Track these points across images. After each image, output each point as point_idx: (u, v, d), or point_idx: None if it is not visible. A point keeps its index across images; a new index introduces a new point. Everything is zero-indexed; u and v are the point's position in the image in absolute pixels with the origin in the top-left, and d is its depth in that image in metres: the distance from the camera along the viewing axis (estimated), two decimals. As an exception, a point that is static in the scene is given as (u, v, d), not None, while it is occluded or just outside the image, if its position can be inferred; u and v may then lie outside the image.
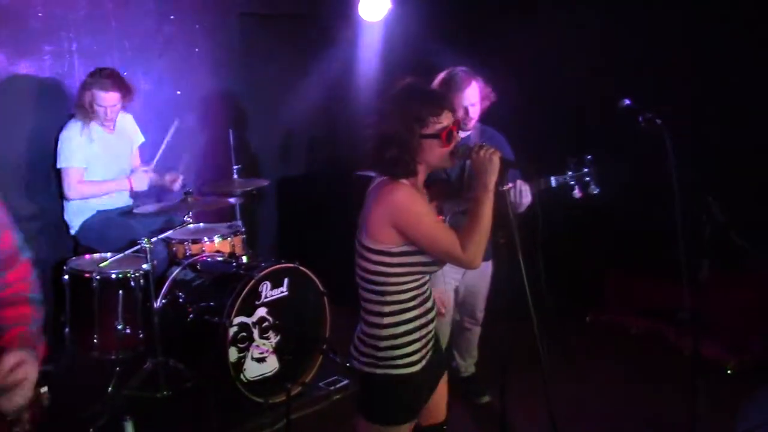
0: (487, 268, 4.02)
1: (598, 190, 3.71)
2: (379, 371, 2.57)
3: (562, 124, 5.33)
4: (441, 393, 2.85)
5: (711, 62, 4.82)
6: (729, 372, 4.59)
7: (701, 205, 3.63)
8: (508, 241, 2.78)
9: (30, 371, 2.01)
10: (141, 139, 4.91)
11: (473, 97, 3.77)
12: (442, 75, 3.80)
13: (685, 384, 3.45)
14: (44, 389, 2.18)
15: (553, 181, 3.69)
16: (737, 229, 3.73)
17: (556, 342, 4.75)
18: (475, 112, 3.81)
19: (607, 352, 4.99)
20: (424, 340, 2.61)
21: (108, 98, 4.42)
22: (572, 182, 3.71)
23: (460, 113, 3.74)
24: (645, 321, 5.23)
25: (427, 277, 2.65)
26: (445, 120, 2.52)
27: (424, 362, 2.61)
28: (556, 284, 4.92)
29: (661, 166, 3.68)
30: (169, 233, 4.39)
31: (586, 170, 3.71)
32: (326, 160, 6.45)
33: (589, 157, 3.73)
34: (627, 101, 3.83)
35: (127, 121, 4.79)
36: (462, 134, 3.82)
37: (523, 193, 3.56)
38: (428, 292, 2.67)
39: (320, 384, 4.30)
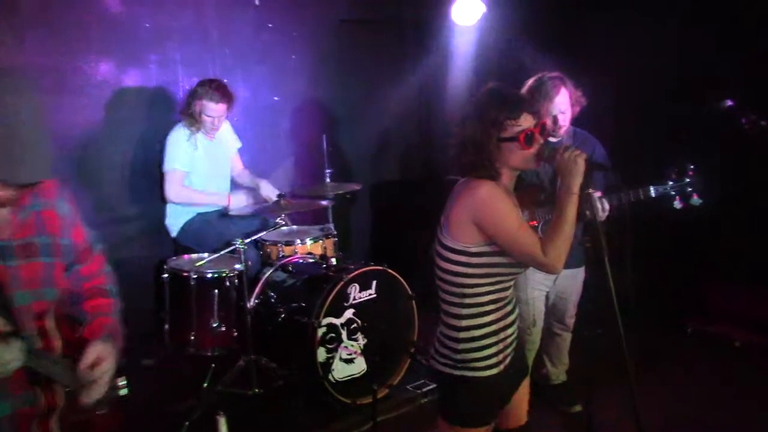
0: (578, 273, 3.92)
1: (700, 201, 3.53)
2: (456, 372, 2.56)
3: (657, 127, 5.13)
4: (522, 397, 2.81)
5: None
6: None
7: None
8: (595, 246, 2.71)
9: (109, 366, 2.11)
10: (238, 144, 5.06)
11: (563, 104, 3.69)
12: (530, 81, 3.74)
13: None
14: (123, 381, 2.28)
15: (653, 191, 3.55)
16: None
17: (653, 352, 4.63)
18: (565, 119, 3.73)
19: (708, 364, 4.76)
20: (502, 344, 2.58)
21: (217, 109, 4.60)
22: (673, 192, 3.55)
23: (549, 122, 3.68)
24: (750, 333, 4.96)
25: (510, 282, 2.61)
26: (525, 122, 2.48)
27: (502, 366, 2.58)
28: (657, 292, 4.79)
29: (765, 170, 3.50)
30: (262, 235, 4.51)
31: (688, 180, 3.54)
32: (419, 165, 6.46)
33: (692, 166, 3.56)
34: (730, 102, 3.66)
35: (224, 128, 4.95)
36: (553, 139, 3.76)
37: (600, 207, 3.46)
38: (510, 296, 2.63)
39: (407, 387, 4.29)
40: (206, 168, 4.77)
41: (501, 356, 2.58)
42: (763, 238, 4.81)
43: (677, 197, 3.55)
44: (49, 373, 1.97)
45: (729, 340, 4.99)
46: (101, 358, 2.09)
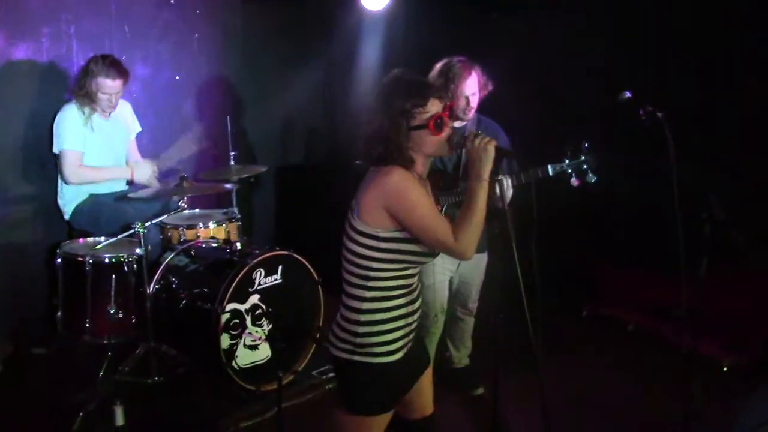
0: (482, 259, 4.00)
1: (596, 178, 3.66)
2: (355, 358, 2.53)
3: (560, 118, 5.28)
4: (425, 386, 2.83)
5: (713, 57, 4.77)
6: (725, 369, 4.55)
7: (701, 202, 3.59)
8: (503, 232, 2.75)
9: None
10: (138, 128, 4.87)
11: (473, 86, 3.74)
12: (439, 65, 3.77)
13: (681, 381, 3.43)
14: None
15: (550, 169, 3.65)
16: (737, 227, 3.69)
17: (551, 335, 4.76)
18: (475, 101, 3.78)
19: (603, 347, 4.96)
20: (404, 330, 2.58)
21: (114, 86, 4.41)
22: (569, 170, 3.67)
23: (462, 103, 3.72)
24: (642, 316, 5.20)
25: (416, 269, 2.61)
26: (432, 108, 2.48)
27: (402, 353, 2.58)
28: (552, 277, 4.92)
29: (660, 161, 3.64)
30: (163, 218, 4.36)
31: (583, 158, 3.67)
32: (325, 149, 6.42)
33: (586, 144, 3.69)
34: (628, 93, 3.79)
35: (124, 110, 4.76)
36: (458, 124, 3.80)
37: (505, 185, 3.54)
38: (416, 284, 2.63)
39: (313, 373, 4.27)
40: (100, 148, 4.56)
41: (401, 342, 2.57)
42: (656, 225, 5.03)
43: (573, 174, 3.67)
44: None
45: (622, 324, 5.21)
46: None
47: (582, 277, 5.52)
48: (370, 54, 6.17)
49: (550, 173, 3.65)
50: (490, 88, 3.83)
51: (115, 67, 4.40)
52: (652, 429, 3.93)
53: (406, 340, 2.59)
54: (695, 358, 3.56)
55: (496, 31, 5.46)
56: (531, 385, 2.79)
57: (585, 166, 3.66)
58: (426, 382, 2.82)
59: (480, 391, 4.28)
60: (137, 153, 4.90)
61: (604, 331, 5.20)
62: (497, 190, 2.66)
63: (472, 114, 3.82)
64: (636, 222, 5.20)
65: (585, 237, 5.47)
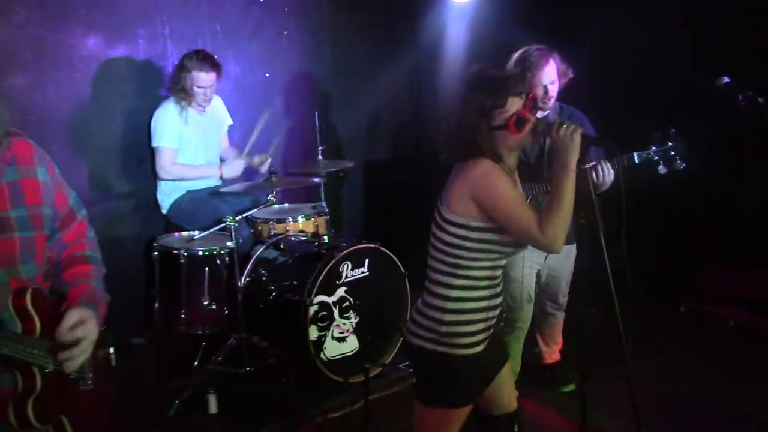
0: (570, 251, 3.89)
1: (684, 165, 3.49)
2: (439, 349, 2.50)
3: (650, 106, 5.09)
4: (507, 381, 2.79)
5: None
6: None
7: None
8: (590, 222, 2.68)
9: (90, 330, 2.04)
10: (229, 121, 4.99)
11: (551, 74, 3.66)
12: (516, 54, 3.70)
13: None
14: (110, 350, 2.23)
15: (636, 156, 3.51)
16: None
17: (645, 331, 4.61)
18: (554, 90, 3.69)
19: (701, 343, 4.76)
20: (487, 323, 2.55)
21: (208, 79, 4.54)
22: (656, 157, 3.51)
23: (539, 92, 3.65)
24: (744, 313, 4.96)
25: (504, 260, 2.57)
26: (512, 107, 2.44)
27: (483, 346, 2.55)
28: (648, 270, 4.78)
29: (761, 151, 3.46)
30: (253, 212, 4.46)
31: (670, 144, 3.50)
32: (412, 144, 6.41)
33: (673, 130, 3.52)
34: (726, 79, 3.62)
35: (217, 104, 4.89)
36: (540, 114, 3.72)
37: (605, 172, 3.44)
38: (500, 277, 2.60)
39: (400, 366, 4.27)
40: (197, 142, 4.70)
41: (483, 335, 2.55)
42: (757, 218, 4.80)
43: (661, 162, 3.51)
44: (26, 358, 1.91)
45: (722, 320, 4.99)
46: (81, 320, 2.02)
47: (678, 271, 5.30)
48: (457, 46, 6.12)
49: (636, 161, 3.51)
50: (571, 75, 3.73)
51: (209, 60, 4.53)
52: (748, 429, 3.75)
53: (487, 333, 2.56)
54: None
55: (580, 17, 5.31)
56: (622, 383, 2.70)
57: (672, 153, 3.50)
58: (506, 376, 2.78)
59: (571, 387, 4.18)
60: (227, 142, 5.02)
61: (702, 327, 4.99)
62: (593, 176, 2.59)
63: (552, 103, 3.73)
64: (738, 215, 4.97)
65: (681, 229, 5.27)
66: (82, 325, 2.02)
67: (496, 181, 2.42)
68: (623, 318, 2.65)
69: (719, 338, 4.83)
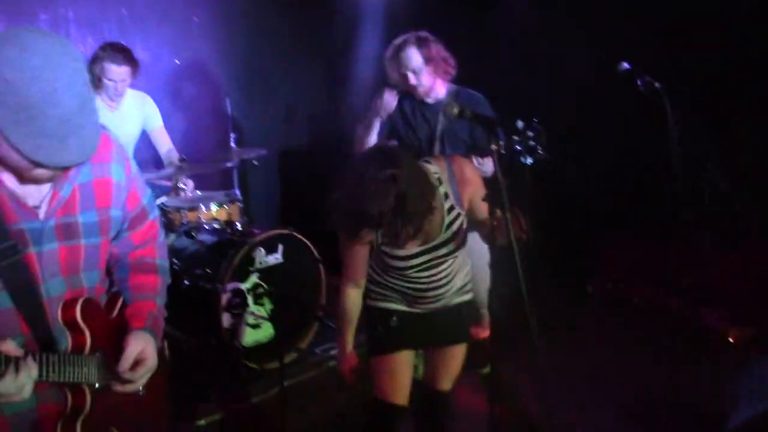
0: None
1: (545, 154, 3.52)
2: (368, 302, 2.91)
3: (557, 93, 5.24)
4: (443, 362, 3.00)
5: (710, 26, 4.72)
6: (731, 341, 4.52)
7: (702, 173, 3.56)
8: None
9: (151, 367, 1.93)
10: (157, 123, 4.76)
11: (414, 60, 3.75)
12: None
13: (688, 355, 3.42)
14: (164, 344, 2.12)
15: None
16: (740, 196, 3.67)
17: (554, 314, 4.77)
18: (422, 79, 3.77)
19: (609, 322, 4.94)
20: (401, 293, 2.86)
21: (119, 72, 4.31)
22: (518, 147, 3.52)
23: (401, 81, 3.79)
24: (648, 290, 5.16)
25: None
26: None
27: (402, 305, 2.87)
28: (555, 253, 4.94)
29: (661, 133, 3.61)
30: (164, 201, 4.37)
31: (531, 134, 3.52)
32: (326, 133, 6.40)
33: (535, 120, 3.56)
34: (626, 65, 3.76)
35: (135, 102, 4.64)
36: (431, 99, 3.80)
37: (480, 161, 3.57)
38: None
39: (315, 350, 4.28)
40: None
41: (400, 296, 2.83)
42: (657, 196, 5.01)
43: (523, 152, 3.50)
44: (75, 379, 1.77)
45: (627, 298, 5.18)
46: (142, 358, 1.89)
47: (587, 252, 5.49)
48: (372, 34, 6.13)
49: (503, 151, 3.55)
50: (450, 60, 3.82)
51: (123, 53, 4.32)
52: (657, 409, 3.92)
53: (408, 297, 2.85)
54: (702, 331, 3.55)
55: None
56: (533, 366, 2.79)
57: (533, 143, 3.50)
58: (449, 356, 3.00)
59: (487, 370, 4.26)
60: (168, 143, 4.79)
61: (609, 306, 5.17)
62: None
63: (424, 90, 3.81)
64: (639, 194, 5.17)
65: (589, 212, 5.44)
66: (143, 366, 1.89)
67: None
68: (530, 300, 2.72)
69: (626, 318, 5.00)
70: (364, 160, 2.52)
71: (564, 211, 5.26)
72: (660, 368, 4.18)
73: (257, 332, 4.08)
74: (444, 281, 2.83)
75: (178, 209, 4.48)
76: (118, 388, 1.89)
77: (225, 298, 3.89)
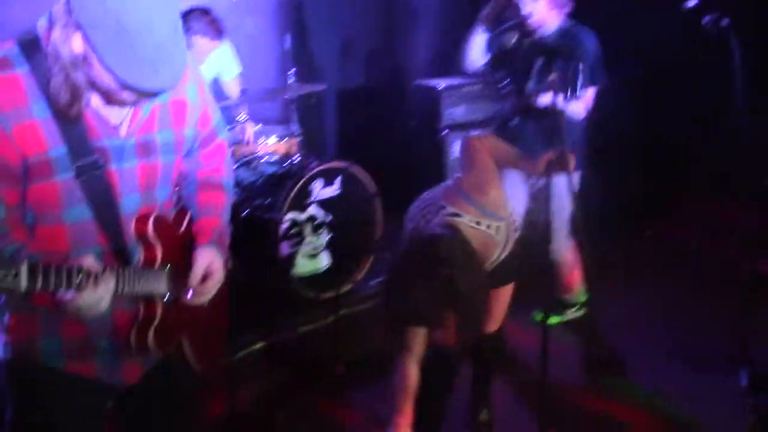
0: None
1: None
2: None
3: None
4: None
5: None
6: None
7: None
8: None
9: (219, 279, 2.00)
10: (233, 74, 4.74)
11: None
12: None
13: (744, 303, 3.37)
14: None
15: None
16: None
17: (610, 256, 4.74)
18: (538, 7, 3.62)
19: (664, 267, 4.88)
20: None
21: (205, 44, 4.11)
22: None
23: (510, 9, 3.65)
24: (706, 241, 5.07)
25: None
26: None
27: None
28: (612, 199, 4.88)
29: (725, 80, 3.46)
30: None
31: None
32: (385, 68, 6.36)
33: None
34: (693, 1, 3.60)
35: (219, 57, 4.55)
36: (540, 31, 3.70)
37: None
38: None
39: (370, 283, 4.33)
40: None
41: None
42: (719, 145, 4.89)
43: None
44: (147, 292, 1.85)
45: (685, 244, 5.11)
46: (210, 272, 1.97)
47: (646, 198, 5.41)
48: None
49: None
50: None
51: (213, 24, 4.15)
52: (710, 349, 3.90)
53: None
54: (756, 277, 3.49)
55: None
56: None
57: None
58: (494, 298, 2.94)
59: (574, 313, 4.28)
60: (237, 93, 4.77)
61: (666, 251, 5.11)
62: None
63: (541, 20, 3.66)
64: (699, 143, 5.04)
65: (651, 160, 5.35)
66: (211, 279, 1.97)
67: None
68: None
69: (681, 264, 4.93)
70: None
71: (626, 156, 5.19)
72: (713, 315, 4.14)
73: (313, 262, 4.14)
74: None
75: (238, 142, 4.54)
76: (187, 300, 1.96)
77: (282, 228, 3.96)
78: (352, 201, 4.25)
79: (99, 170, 1.77)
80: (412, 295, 2.57)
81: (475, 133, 4.59)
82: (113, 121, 1.80)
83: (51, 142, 1.70)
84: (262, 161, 4.42)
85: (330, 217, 4.16)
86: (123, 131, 1.82)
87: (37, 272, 1.53)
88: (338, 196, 4.19)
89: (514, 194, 3.49)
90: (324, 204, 4.14)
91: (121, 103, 1.74)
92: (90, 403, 1.97)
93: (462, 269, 2.55)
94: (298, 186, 3.99)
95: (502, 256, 2.79)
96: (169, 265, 1.91)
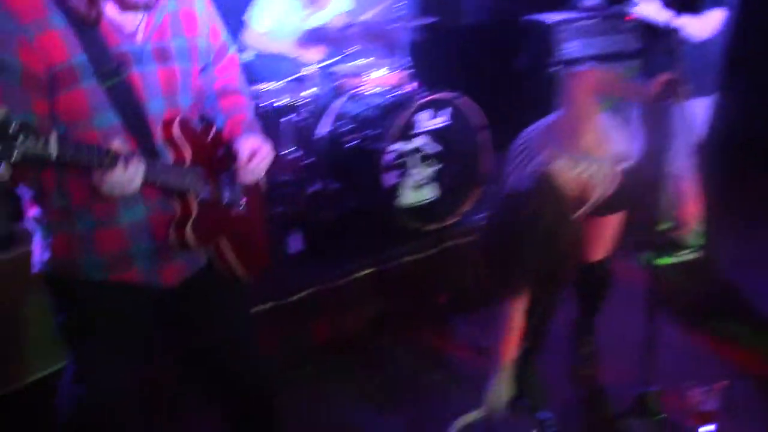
0: None
1: None
2: None
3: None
4: (598, 231, 2.90)
5: None
6: None
7: None
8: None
9: (265, 152, 2.10)
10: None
11: None
12: None
13: None
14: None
15: None
16: None
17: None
18: None
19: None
20: None
21: None
22: None
23: None
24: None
25: None
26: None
27: None
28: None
29: None
30: (335, 65, 4.45)
31: None
32: (499, 1, 6.16)
33: None
34: None
35: None
36: None
37: None
38: None
39: (476, 216, 4.26)
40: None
41: None
42: None
43: None
44: (179, 185, 1.94)
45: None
46: (256, 148, 2.07)
47: None
48: None
49: None
50: None
51: None
52: None
53: None
54: None
55: None
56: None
57: None
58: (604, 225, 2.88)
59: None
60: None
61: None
62: None
63: None
64: None
65: None
66: (259, 154, 2.07)
67: None
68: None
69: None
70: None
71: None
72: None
73: (419, 193, 4.12)
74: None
75: (347, 73, 4.54)
76: (241, 178, 2.07)
77: (389, 157, 3.95)
78: (460, 133, 4.18)
79: (121, 75, 1.85)
80: (510, 256, 2.51)
81: (583, 67, 4.42)
82: (129, 28, 1.88)
83: (72, 50, 1.77)
84: (370, 93, 4.40)
85: (437, 149, 4.11)
86: (139, 37, 1.89)
87: (67, 143, 1.61)
88: (446, 128, 4.13)
89: (621, 129, 3.33)
90: (431, 135, 4.09)
91: (134, 7, 1.83)
92: (134, 308, 2.06)
93: (554, 223, 2.45)
94: (406, 116, 3.96)
95: (606, 194, 2.66)
96: (199, 168, 1.98)
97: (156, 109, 1.93)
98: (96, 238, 1.93)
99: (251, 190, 2.20)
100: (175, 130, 1.94)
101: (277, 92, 4.25)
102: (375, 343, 3.59)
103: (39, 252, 2.00)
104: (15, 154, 1.50)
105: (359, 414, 3.09)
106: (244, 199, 2.17)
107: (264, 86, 4.33)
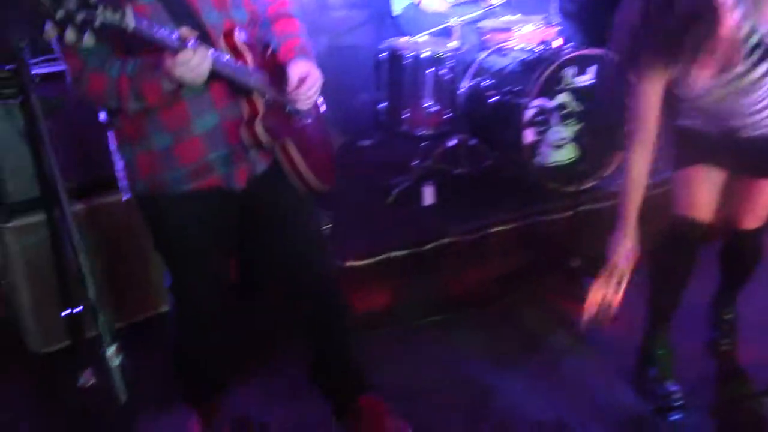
0: None
1: None
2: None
3: None
4: (749, 197, 2.74)
5: None
6: None
7: None
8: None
9: (316, 79, 2.20)
10: None
11: None
12: None
13: None
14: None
15: None
16: None
17: None
18: None
19: None
20: None
21: None
22: None
23: None
24: None
25: None
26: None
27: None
28: None
29: None
30: (480, 19, 4.39)
31: None
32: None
33: None
34: None
35: None
36: None
37: None
38: None
39: (616, 182, 4.11)
40: None
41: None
42: None
43: None
44: (244, 82, 2.06)
45: None
46: (305, 73, 2.17)
47: None
48: None
49: None
50: None
51: None
52: None
53: None
54: None
55: None
56: None
57: None
58: (758, 191, 2.71)
59: None
60: None
61: None
62: None
63: None
64: None
65: None
66: (309, 79, 2.17)
67: None
68: None
69: None
70: None
71: None
72: None
73: (559, 152, 4.03)
74: (760, 107, 2.46)
75: (493, 28, 4.48)
76: (292, 106, 2.18)
77: (530, 114, 3.88)
78: (608, 91, 4.02)
79: None
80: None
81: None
82: None
83: None
84: (516, 48, 4.32)
85: (581, 107, 3.99)
86: None
87: (141, 19, 1.73)
88: (591, 86, 3.99)
89: None
90: (575, 93, 3.97)
91: None
92: (219, 212, 2.21)
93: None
94: (549, 71, 3.85)
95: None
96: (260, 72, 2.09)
97: (213, 19, 2.03)
98: (176, 151, 2.07)
99: (310, 113, 2.30)
100: (237, 36, 2.04)
101: (424, 44, 4.25)
102: (504, 299, 3.59)
103: (126, 178, 2.17)
104: (97, 21, 1.63)
105: (483, 367, 3.10)
106: (305, 116, 2.28)
107: (411, 38, 4.37)
